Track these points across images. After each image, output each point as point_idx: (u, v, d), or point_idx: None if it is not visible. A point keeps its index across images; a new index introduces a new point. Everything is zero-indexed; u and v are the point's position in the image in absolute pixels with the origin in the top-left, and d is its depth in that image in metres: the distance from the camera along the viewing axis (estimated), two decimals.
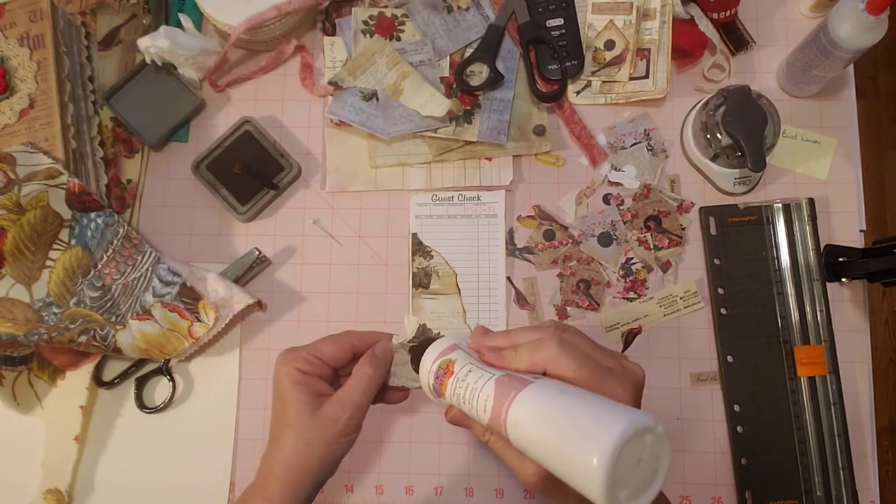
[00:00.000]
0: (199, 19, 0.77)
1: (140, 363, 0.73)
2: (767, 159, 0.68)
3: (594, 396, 0.40)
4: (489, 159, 0.75)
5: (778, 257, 0.72)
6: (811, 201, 0.72)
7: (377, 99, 0.74)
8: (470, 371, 0.45)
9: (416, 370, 0.50)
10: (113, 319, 0.69)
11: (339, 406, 0.50)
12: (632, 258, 0.73)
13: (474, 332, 0.50)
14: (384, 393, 0.55)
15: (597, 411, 0.38)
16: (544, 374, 0.44)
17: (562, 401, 0.40)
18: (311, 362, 0.51)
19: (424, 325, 0.55)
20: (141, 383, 0.72)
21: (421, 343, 0.51)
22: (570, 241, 0.74)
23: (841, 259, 0.70)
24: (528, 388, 0.41)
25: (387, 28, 0.76)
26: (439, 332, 0.64)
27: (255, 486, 0.52)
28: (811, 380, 0.69)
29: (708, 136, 0.70)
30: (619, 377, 0.43)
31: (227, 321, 0.70)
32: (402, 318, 0.72)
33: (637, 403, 0.44)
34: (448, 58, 0.76)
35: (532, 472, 0.43)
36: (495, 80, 0.74)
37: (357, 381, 0.50)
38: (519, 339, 0.47)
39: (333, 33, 0.78)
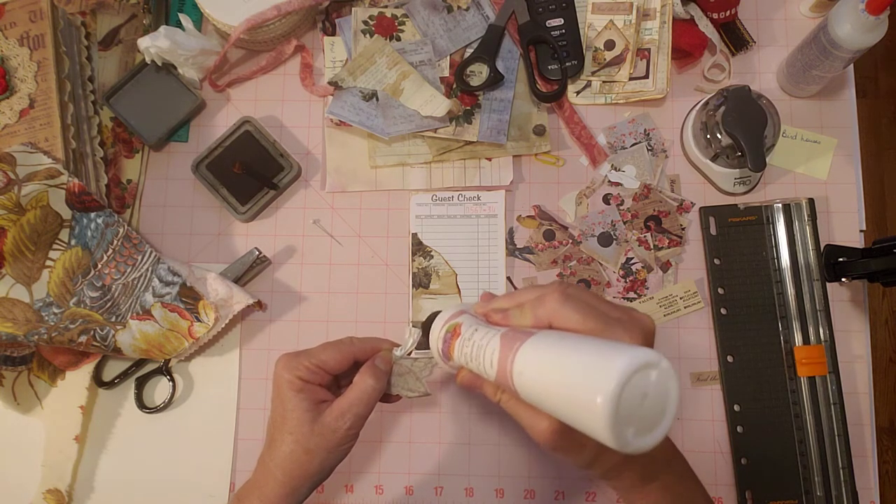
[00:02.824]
0: (199, 19, 0.77)
1: (140, 363, 0.73)
2: (767, 159, 0.68)
3: (596, 339, 0.39)
4: (489, 159, 0.75)
5: (778, 257, 0.72)
6: (811, 201, 0.72)
7: (377, 99, 0.74)
8: (476, 330, 0.46)
9: (427, 343, 0.51)
10: (113, 319, 0.69)
11: (340, 416, 0.50)
12: (632, 258, 0.73)
13: (481, 298, 0.51)
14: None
15: (597, 351, 0.37)
16: (549, 328, 0.43)
17: (564, 345, 0.39)
18: (313, 371, 0.51)
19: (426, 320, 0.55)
20: (141, 383, 0.72)
21: (430, 316, 0.52)
22: (570, 241, 0.74)
23: (841, 259, 0.70)
24: (532, 338, 0.41)
25: (387, 28, 0.76)
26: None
27: (251, 485, 0.52)
28: (811, 380, 0.69)
29: (708, 136, 0.70)
30: (626, 326, 0.42)
31: (227, 321, 0.70)
32: (402, 317, 0.73)
33: None
34: (448, 58, 0.76)
35: (546, 427, 0.43)
36: (495, 80, 0.74)
37: (359, 393, 0.51)
38: (523, 297, 0.46)
39: (333, 33, 0.78)
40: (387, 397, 0.55)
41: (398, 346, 0.54)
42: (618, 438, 0.35)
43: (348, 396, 0.51)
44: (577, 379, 0.37)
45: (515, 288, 0.73)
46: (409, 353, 0.54)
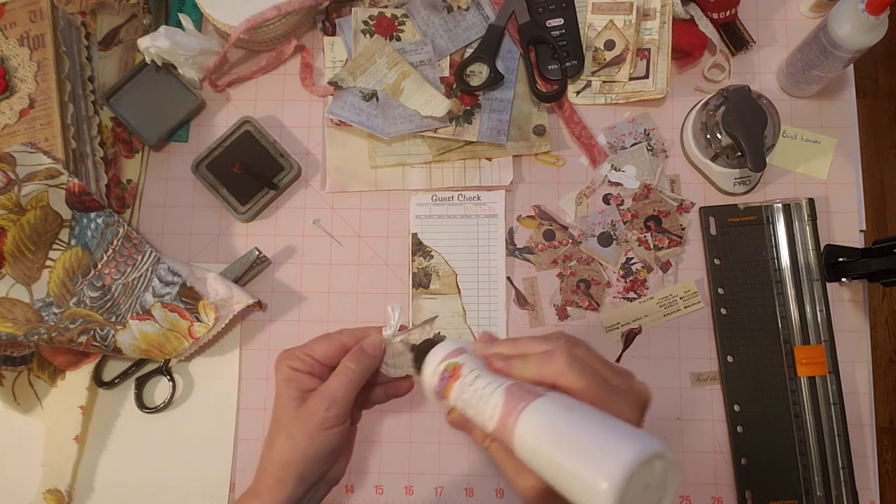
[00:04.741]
0: (199, 19, 0.77)
1: (140, 363, 0.73)
2: (767, 159, 0.68)
3: (606, 416, 0.40)
4: (489, 159, 0.75)
5: (778, 257, 0.72)
6: (811, 201, 0.72)
7: (377, 99, 0.74)
8: (478, 377, 0.45)
9: (418, 370, 0.50)
10: (113, 319, 0.69)
11: (320, 399, 0.50)
12: (632, 258, 0.73)
13: (480, 338, 0.50)
14: (381, 388, 0.56)
15: (609, 433, 0.38)
16: (552, 387, 0.44)
17: (573, 417, 0.39)
18: (303, 360, 0.52)
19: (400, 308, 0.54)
20: (141, 383, 0.72)
21: (423, 343, 0.50)
22: (570, 241, 0.74)
23: (841, 259, 0.70)
24: (539, 400, 0.41)
25: (387, 28, 0.76)
26: (439, 333, 0.64)
27: (250, 486, 0.53)
28: (811, 380, 0.69)
29: (708, 136, 0.70)
30: (626, 396, 0.43)
31: (227, 321, 0.70)
32: (402, 318, 0.73)
33: (641, 423, 0.44)
34: (448, 58, 0.76)
35: (529, 486, 0.43)
36: (495, 80, 0.74)
37: (338, 376, 0.51)
38: (527, 349, 0.46)
39: (333, 33, 0.78)
40: (395, 387, 0.55)
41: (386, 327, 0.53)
42: None
43: (329, 381, 0.51)
44: (582, 459, 0.37)
45: (515, 288, 0.73)
46: (399, 330, 0.53)
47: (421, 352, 0.50)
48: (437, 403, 0.49)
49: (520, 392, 0.42)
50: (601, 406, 0.41)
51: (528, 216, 0.75)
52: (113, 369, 0.73)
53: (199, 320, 0.69)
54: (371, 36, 0.76)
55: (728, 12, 0.75)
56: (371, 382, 0.55)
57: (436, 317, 0.53)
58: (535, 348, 0.46)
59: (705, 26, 0.74)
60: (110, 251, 0.71)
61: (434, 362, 0.48)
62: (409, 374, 0.54)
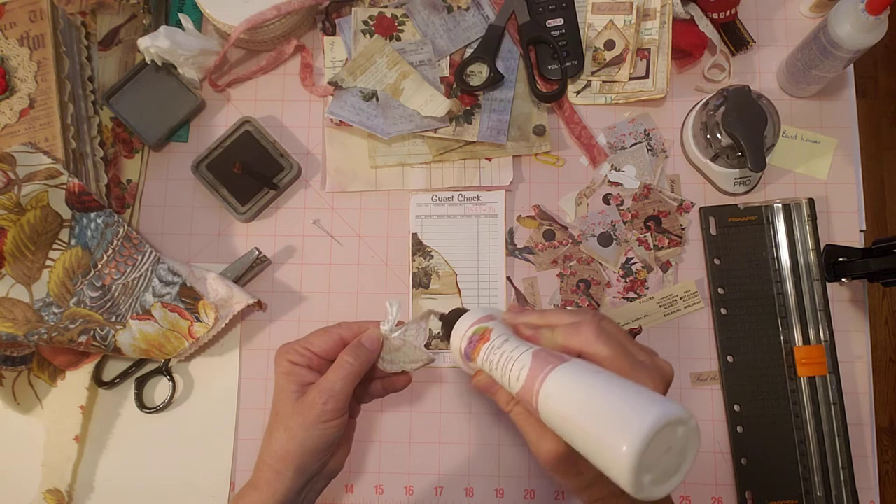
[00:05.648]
0: (199, 19, 0.77)
1: (140, 363, 0.73)
2: (767, 159, 0.68)
3: (630, 382, 0.41)
4: (489, 159, 0.75)
5: (778, 257, 0.72)
6: (811, 201, 0.72)
7: (377, 99, 0.74)
8: (507, 340, 0.47)
9: (447, 336, 0.52)
10: (113, 319, 0.69)
11: (318, 393, 0.50)
12: (632, 258, 0.73)
13: (509, 308, 0.52)
14: (379, 382, 0.56)
15: (632, 396, 0.38)
16: (579, 356, 0.45)
17: (598, 381, 0.40)
18: (302, 353, 0.52)
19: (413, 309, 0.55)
20: (141, 383, 0.72)
21: (453, 311, 0.52)
22: (570, 241, 0.74)
23: (841, 259, 0.70)
24: (566, 364, 0.42)
25: (387, 28, 0.76)
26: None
27: (250, 479, 0.53)
28: (811, 380, 0.69)
29: (708, 136, 0.70)
30: (650, 371, 0.44)
31: (227, 321, 0.70)
32: (403, 318, 0.73)
33: None
34: (448, 58, 0.76)
35: (550, 449, 0.44)
36: (495, 80, 0.74)
37: (336, 369, 0.51)
38: (556, 320, 0.48)
39: (333, 33, 0.78)
40: (392, 382, 0.56)
41: (384, 322, 0.55)
42: (634, 484, 0.36)
43: (327, 374, 0.51)
44: (606, 421, 0.38)
45: (515, 287, 0.73)
46: (396, 325, 0.54)
47: (449, 320, 0.52)
48: (464, 366, 0.50)
49: (547, 356, 0.43)
50: (626, 377, 0.42)
51: (528, 216, 0.75)
52: (113, 369, 0.73)
53: (199, 320, 0.69)
54: (371, 36, 0.76)
55: (728, 12, 0.75)
56: (369, 377, 0.56)
57: (431, 311, 0.54)
58: (563, 319, 0.47)
59: (705, 26, 0.74)
60: (110, 251, 0.71)
61: (464, 326, 0.50)
62: (406, 369, 0.55)
